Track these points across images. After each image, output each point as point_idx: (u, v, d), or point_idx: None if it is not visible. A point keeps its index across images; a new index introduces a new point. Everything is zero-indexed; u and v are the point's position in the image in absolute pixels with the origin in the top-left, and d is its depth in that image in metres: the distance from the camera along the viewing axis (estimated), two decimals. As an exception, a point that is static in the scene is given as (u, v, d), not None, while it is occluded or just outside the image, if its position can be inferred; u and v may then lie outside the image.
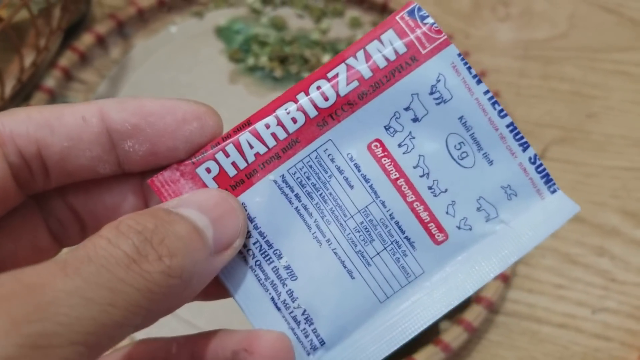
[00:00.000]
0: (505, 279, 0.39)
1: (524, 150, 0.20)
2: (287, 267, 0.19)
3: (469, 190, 0.20)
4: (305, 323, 0.19)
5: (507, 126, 0.20)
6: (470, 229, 0.20)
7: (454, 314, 0.38)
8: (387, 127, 0.20)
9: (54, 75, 0.45)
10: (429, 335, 0.37)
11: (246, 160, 0.20)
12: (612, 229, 0.44)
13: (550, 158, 0.47)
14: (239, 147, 0.20)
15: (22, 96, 0.44)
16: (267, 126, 0.20)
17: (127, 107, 0.17)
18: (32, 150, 0.17)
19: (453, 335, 0.36)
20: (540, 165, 0.21)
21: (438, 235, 0.20)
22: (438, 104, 0.20)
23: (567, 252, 0.43)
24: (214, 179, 0.19)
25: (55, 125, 0.17)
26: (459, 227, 0.20)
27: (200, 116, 0.19)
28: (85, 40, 0.46)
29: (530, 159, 0.20)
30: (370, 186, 0.20)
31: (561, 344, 0.40)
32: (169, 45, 0.48)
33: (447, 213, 0.20)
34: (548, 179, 0.21)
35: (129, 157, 0.18)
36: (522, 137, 0.20)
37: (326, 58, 0.48)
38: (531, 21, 0.54)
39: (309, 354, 0.19)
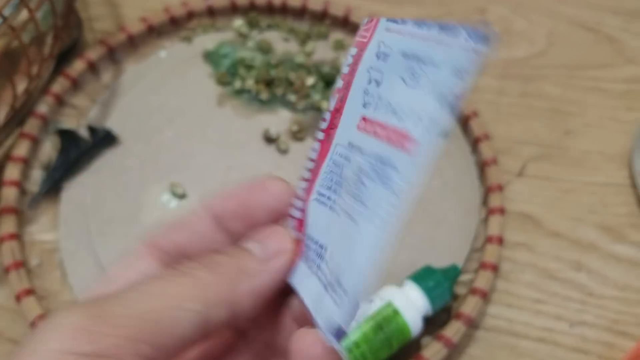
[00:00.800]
0: (484, 295, 0.40)
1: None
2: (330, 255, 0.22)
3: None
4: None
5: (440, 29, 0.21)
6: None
7: (434, 330, 0.40)
8: (364, 105, 0.23)
9: (46, 101, 0.46)
10: (410, 351, 0.39)
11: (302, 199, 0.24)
12: (590, 244, 0.45)
13: (529, 175, 0.48)
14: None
15: (15, 122, 0.46)
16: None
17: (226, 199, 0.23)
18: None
19: (433, 351, 0.38)
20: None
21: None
22: (385, 60, 0.22)
23: (545, 267, 0.44)
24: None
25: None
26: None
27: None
28: (77, 66, 0.48)
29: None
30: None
31: (540, 357, 0.41)
32: (159, 69, 0.50)
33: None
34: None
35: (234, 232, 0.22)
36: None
37: (310, 80, 0.49)
38: (510, 40, 0.55)
39: None
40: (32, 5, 0.37)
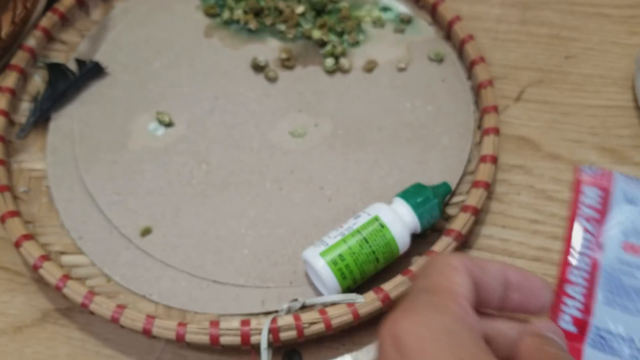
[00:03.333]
0: (475, 211, 0.39)
1: None
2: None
3: None
4: None
5: None
6: None
7: (426, 249, 0.39)
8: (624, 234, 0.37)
9: (35, 35, 0.46)
10: (399, 267, 0.38)
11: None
12: (590, 165, 0.44)
13: (527, 100, 0.47)
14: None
15: (6, 58, 0.46)
16: None
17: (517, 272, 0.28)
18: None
19: (420, 265, 0.37)
20: None
21: None
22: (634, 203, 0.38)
23: (542, 188, 0.43)
24: None
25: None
26: None
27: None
28: (66, 2, 0.47)
29: None
30: None
31: (536, 277, 0.40)
32: (147, 4, 0.49)
33: None
34: None
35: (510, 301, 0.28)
36: None
37: (300, 9, 0.48)
38: (510, -32, 0.53)
39: None
40: None
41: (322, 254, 0.35)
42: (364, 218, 0.37)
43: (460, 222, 0.38)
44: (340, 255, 0.35)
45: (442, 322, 0.24)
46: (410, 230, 0.37)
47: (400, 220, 0.37)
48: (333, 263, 0.35)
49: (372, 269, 0.36)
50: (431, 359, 0.23)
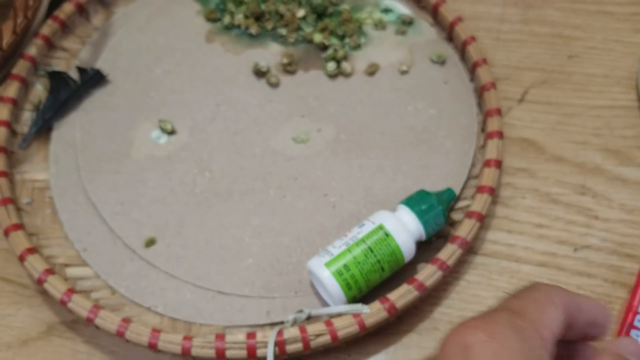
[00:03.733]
0: (480, 217, 0.39)
1: None
2: None
3: None
4: None
5: None
6: None
7: (431, 256, 0.38)
8: None
9: (36, 43, 0.46)
10: (406, 277, 0.38)
11: None
12: (595, 167, 0.44)
13: (530, 101, 0.46)
14: None
15: (7, 68, 0.45)
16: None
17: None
18: None
19: (427, 274, 0.37)
20: None
21: None
22: None
23: (547, 191, 0.43)
24: None
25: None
26: None
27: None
28: (66, 8, 0.47)
29: None
30: None
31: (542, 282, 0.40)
32: (147, 9, 0.49)
33: None
34: None
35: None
36: None
37: (301, 13, 0.48)
38: (512, -34, 0.53)
39: None
40: None
41: (327, 265, 0.35)
42: (368, 227, 0.37)
43: (465, 229, 0.38)
44: (345, 266, 0.35)
45: (521, 345, 0.23)
46: (415, 238, 0.37)
47: (404, 228, 0.37)
48: (338, 274, 0.35)
49: (378, 278, 0.36)
50: None
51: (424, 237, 0.38)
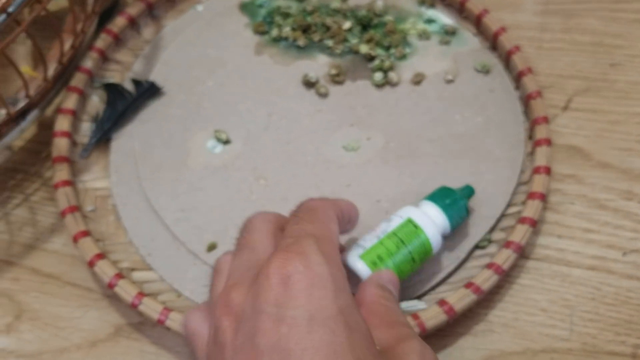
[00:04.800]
0: (533, 223, 0.40)
1: None
2: None
3: None
4: None
5: None
6: None
7: (487, 261, 0.39)
8: None
9: (91, 56, 0.47)
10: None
11: None
12: (640, 173, 0.44)
13: (574, 108, 0.47)
14: None
15: (64, 79, 0.47)
16: None
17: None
18: None
19: (483, 278, 0.38)
20: None
21: None
22: None
23: (595, 197, 0.44)
24: None
25: None
26: None
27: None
28: (118, 22, 0.49)
29: None
30: None
31: (592, 285, 0.41)
32: (197, 23, 0.50)
33: None
34: None
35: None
36: None
37: (347, 25, 0.49)
38: (550, -24, 0.54)
39: None
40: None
41: (362, 257, 0.36)
42: (396, 221, 0.38)
43: (519, 234, 0.39)
44: (379, 256, 0.36)
45: (331, 271, 0.27)
46: (441, 231, 0.38)
47: (431, 222, 0.38)
48: (373, 264, 0.36)
49: (409, 268, 0.37)
50: (316, 303, 0.26)
51: (448, 230, 0.39)
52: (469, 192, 0.41)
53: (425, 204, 0.39)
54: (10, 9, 0.35)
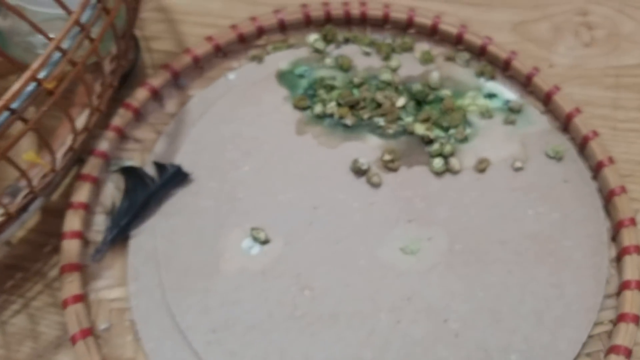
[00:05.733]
0: (628, 353, 0.34)
1: None
2: None
3: None
4: None
5: None
6: None
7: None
8: None
9: (107, 136, 0.41)
10: None
11: None
12: None
13: (661, 203, 0.42)
14: None
15: (74, 160, 0.40)
16: None
17: None
18: None
19: None
20: None
21: None
22: None
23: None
24: None
25: None
26: None
27: None
28: (139, 95, 0.42)
29: None
30: None
31: None
32: (228, 94, 0.44)
33: None
34: None
35: None
36: None
37: (401, 102, 0.43)
38: (620, 45, 0.48)
39: None
40: (94, 35, 0.32)
41: None
42: None
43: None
44: None
45: None
46: None
47: None
48: None
49: None
50: None
51: None
52: None
53: None
54: (13, 105, 0.29)
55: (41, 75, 0.29)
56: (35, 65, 0.28)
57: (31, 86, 0.29)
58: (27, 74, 0.28)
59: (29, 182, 0.34)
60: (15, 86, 0.28)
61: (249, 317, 0.36)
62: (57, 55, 0.30)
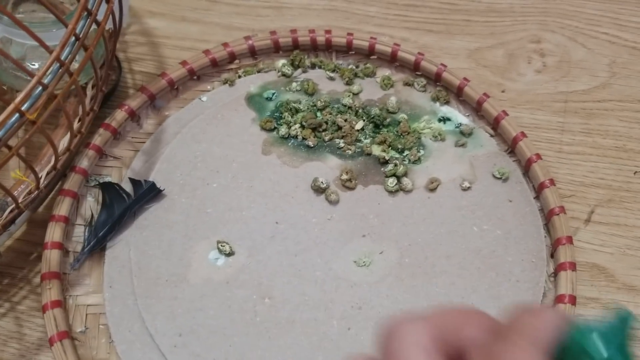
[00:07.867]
0: None
1: None
2: None
3: None
4: None
5: None
6: None
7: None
8: None
9: (88, 155, 0.44)
10: None
11: None
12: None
13: (597, 221, 0.45)
14: None
15: (56, 178, 0.44)
16: None
17: None
18: None
19: None
20: None
21: None
22: None
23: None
24: None
25: None
26: None
27: None
28: (118, 116, 0.46)
29: None
30: None
31: None
32: (201, 115, 0.48)
33: None
34: None
35: None
36: None
37: (359, 124, 0.47)
38: (570, 71, 0.52)
39: None
40: (73, 70, 0.35)
41: None
42: None
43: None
44: None
45: None
46: None
47: None
48: None
49: None
50: None
51: None
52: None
53: None
54: (-1, 133, 0.32)
55: (24, 107, 0.33)
56: (18, 99, 0.32)
57: (15, 117, 0.32)
58: (10, 107, 0.32)
59: (15, 200, 0.38)
60: (1, 118, 0.31)
61: (212, 323, 0.40)
62: (39, 89, 0.33)
